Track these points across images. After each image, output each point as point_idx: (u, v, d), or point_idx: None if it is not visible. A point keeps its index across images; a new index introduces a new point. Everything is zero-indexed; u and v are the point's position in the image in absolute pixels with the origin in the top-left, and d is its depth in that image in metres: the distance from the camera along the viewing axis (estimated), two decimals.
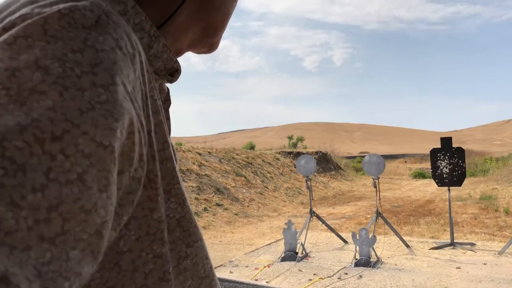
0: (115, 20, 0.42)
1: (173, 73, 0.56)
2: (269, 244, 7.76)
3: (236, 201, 12.14)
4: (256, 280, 5.54)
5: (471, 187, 17.00)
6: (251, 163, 16.40)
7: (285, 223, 6.73)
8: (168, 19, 0.54)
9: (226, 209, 11.23)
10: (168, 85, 0.59)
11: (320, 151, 22.00)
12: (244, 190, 13.40)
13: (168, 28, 0.55)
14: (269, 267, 6.15)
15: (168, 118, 0.56)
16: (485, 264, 6.02)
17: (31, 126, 0.32)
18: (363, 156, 8.46)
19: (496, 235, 8.21)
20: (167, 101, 0.57)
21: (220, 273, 5.73)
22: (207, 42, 0.62)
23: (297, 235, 6.72)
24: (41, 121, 0.33)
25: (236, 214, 11.05)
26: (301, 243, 6.72)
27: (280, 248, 7.01)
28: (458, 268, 5.88)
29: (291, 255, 6.47)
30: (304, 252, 6.67)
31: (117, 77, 0.38)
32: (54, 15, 0.38)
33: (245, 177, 14.55)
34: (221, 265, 6.32)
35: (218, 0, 0.58)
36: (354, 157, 33.84)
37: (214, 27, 0.60)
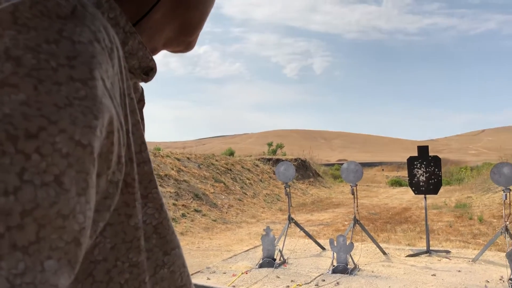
0: (91, 11, 0.39)
1: (148, 72, 0.53)
2: (247, 250, 7.73)
3: (214, 207, 12.08)
4: (234, 286, 5.50)
5: (446, 195, 17.30)
6: (230, 170, 16.36)
7: (264, 230, 6.71)
8: (145, 15, 0.52)
9: (204, 215, 11.15)
10: (143, 85, 0.56)
11: (299, 158, 22.10)
12: (223, 196, 13.35)
13: (144, 25, 0.53)
14: (247, 273, 6.12)
15: (142, 119, 0.53)
16: (459, 271, 6.11)
17: (3, 122, 0.29)
18: (342, 164, 8.52)
19: (470, 243, 8.36)
20: (141, 101, 0.54)
21: (197, 280, 5.68)
22: (183, 41, 0.60)
23: (275, 241, 6.72)
24: (13, 117, 0.30)
25: (214, 220, 10.99)
26: (279, 250, 6.71)
27: (258, 254, 6.99)
28: (434, 275, 5.95)
29: (269, 262, 6.45)
30: (282, 259, 6.66)
31: (96, 72, 0.35)
32: (25, 2, 0.34)
33: (224, 183, 14.50)
34: (198, 272, 6.26)
35: None
36: (332, 165, 34.10)
37: (191, 26, 0.58)
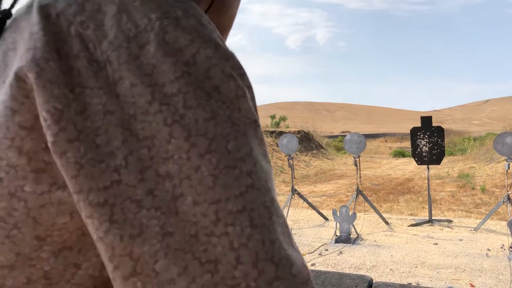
0: None
1: None
2: None
3: None
4: None
5: (449, 165, 17.34)
6: None
7: None
8: None
9: None
10: None
11: (302, 130, 22.09)
12: None
13: None
14: None
15: None
16: (461, 240, 6.18)
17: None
18: (345, 135, 8.53)
19: (472, 212, 8.43)
20: None
21: None
22: None
23: None
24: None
25: None
26: None
27: None
28: (436, 244, 6.03)
29: None
30: None
31: None
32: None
33: None
34: None
35: (227, 2, 0.58)
36: (335, 136, 34.12)
37: (222, 28, 0.59)
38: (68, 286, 0.39)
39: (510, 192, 6.53)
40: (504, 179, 6.98)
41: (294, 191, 7.62)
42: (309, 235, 6.70)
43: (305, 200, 7.85)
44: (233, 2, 0.60)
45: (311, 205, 7.92)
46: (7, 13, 0.42)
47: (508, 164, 6.35)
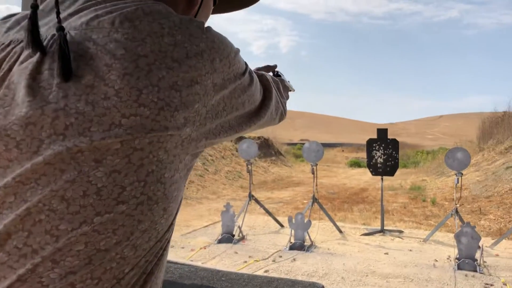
0: None
1: None
2: (206, 226, 7.76)
3: None
4: (191, 261, 5.53)
5: (402, 177, 17.85)
6: None
7: (224, 206, 6.74)
8: None
9: (182, 194, 11.06)
10: None
11: (263, 137, 22.17)
12: None
13: None
14: (205, 248, 6.16)
15: None
16: (410, 250, 6.36)
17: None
18: (304, 143, 8.62)
19: (422, 224, 8.70)
20: None
21: None
22: None
23: (235, 218, 6.77)
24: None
25: None
26: (239, 226, 6.77)
27: (218, 230, 7.03)
28: (386, 253, 6.17)
29: (227, 237, 6.50)
30: (241, 235, 6.73)
31: None
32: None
33: None
34: None
35: (206, 8, 0.77)
36: (295, 144, 34.42)
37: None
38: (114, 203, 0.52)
39: (458, 205, 6.79)
40: (453, 193, 7.25)
41: (251, 197, 7.62)
42: (264, 241, 6.71)
43: (261, 206, 7.86)
44: (209, 5, 0.79)
45: (267, 212, 7.94)
46: None
47: (458, 179, 6.60)
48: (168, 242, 0.65)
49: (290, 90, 1.16)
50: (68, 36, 0.54)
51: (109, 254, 0.53)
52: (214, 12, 0.88)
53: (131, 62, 0.53)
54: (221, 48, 0.60)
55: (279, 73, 1.12)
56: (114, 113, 0.51)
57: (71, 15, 0.58)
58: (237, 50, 0.66)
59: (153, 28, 0.55)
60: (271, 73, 1.08)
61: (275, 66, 1.13)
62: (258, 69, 1.06)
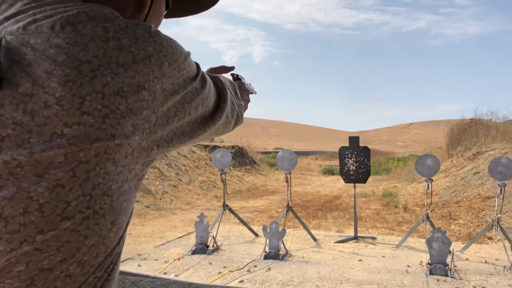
0: None
1: None
2: (180, 237, 7.67)
3: (148, 194, 11.84)
4: (165, 273, 5.44)
5: (375, 184, 18.11)
6: (165, 155, 16.07)
7: (198, 216, 6.68)
8: None
9: (137, 201, 10.90)
10: None
11: (237, 146, 22.15)
12: (157, 183, 13.11)
13: None
14: (179, 260, 6.08)
15: None
16: (384, 256, 6.43)
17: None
18: (278, 152, 8.65)
19: (395, 230, 8.82)
20: None
21: (128, 267, 5.56)
22: None
23: (209, 228, 6.71)
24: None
25: (147, 207, 10.79)
26: (213, 236, 6.72)
27: (192, 241, 6.95)
28: (360, 260, 6.22)
29: (202, 248, 6.44)
30: (215, 245, 6.67)
31: None
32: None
33: (159, 169, 14.25)
34: (129, 258, 6.12)
35: (157, 12, 0.75)
36: (269, 153, 34.51)
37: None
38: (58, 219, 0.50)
39: (429, 211, 6.92)
40: (424, 199, 7.38)
41: (225, 206, 7.58)
42: (239, 251, 6.67)
43: (236, 216, 7.83)
44: (161, 10, 0.77)
45: (242, 221, 7.91)
46: None
47: (428, 185, 6.73)
48: (119, 255, 0.64)
49: (252, 93, 1.14)
50: (3, 42, 0.51)
51: (53, 273, 0.51)
52: (169, 16, 0.86)
53: (73, 69, 0.50)
54: (169, 52, 0.58)
55: (239, 76, 1.11)
56: (56, 123, 0.49)
57: (7, 18, 0.54)
58: (187, 54, 0.64)
59: (96, 32, 0.52)
60: (230, 77, 1.06)
61: (233, 68, 1.10)
62: (212, 69, 1.03)
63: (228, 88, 0.83)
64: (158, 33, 0.58)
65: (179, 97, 0.61)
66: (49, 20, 0.52)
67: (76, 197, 0.50)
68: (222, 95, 0.77)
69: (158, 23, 0.78)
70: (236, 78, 1.10)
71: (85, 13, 0.53)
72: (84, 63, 0.50)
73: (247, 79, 1.12)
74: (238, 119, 0.88)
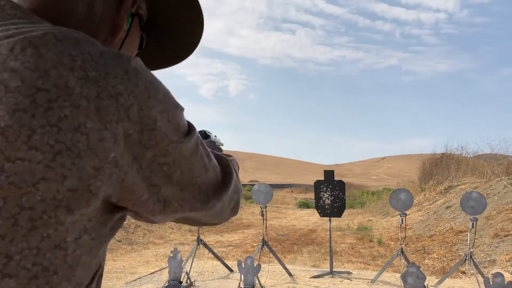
0: None
1: None
2: (153, 272, 7.46)
3: (120, 228, 11.57)
4: None
5: (349, 218, 18.17)
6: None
7: (171, 251, 6.53)
8: None
9: (103, 258, 10.60)
10: None
11: None
12: (130, 216, 12.83)
13: None
14: None
15: None
16: None
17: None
18: (253, 185, 8.62)
19: (370, 264, 8.80)
20: None
21: None
22: None
23: (183, 263, 6.56)
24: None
25: (119, 241, 10.51)
26: (186, 272, 6.56)
27: (165, 276, 6.77)
28: None
29: (175, 285, 6.27)
30: (188, 281, 6.51)
31: None
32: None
33: None
34: None
35: (132, 41, 0.70)
36: (244, 185, 34.44)
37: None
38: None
39: (403, 245, 6.95)
40: (398, 232, 7.43)
41: (200, 241, 7.45)
42: (213, 287, 6.52)
43: (210, 250, 7.69)
44: (134, 43, 0.71)
45: (216, 256, 7.76)
46: None
47: (402, 219, 6.79)
48: None
49: (219, 145, 1.14)
50: None
51: None
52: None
53: (26, 97, 0.44)
54: (144, 96, 0.50)
55: (207, 132, 1.11)
56: None
57: None
58: (177, 106, 0.56)
59: (62, 59, 0.46)
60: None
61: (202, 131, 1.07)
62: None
63: (235, 170, 0.71)
64: (139, 72, 0.51)
65: (154, 151, 0.52)
66: (9, 41, 0.46)
67: (19, 250, 0.43)
68: (227, 177, 0.66)
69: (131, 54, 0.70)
70: (204, 134, 1.10)
71: (53, 35, 0.47)
72: (40, 91, 0.44)
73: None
74: (236, 207, 0.74)
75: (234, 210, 0.73)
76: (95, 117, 0.46)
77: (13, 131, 0.43)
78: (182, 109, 0.57)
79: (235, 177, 0.69)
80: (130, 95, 0.49)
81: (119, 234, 10.96)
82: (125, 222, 12.01)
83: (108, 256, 9.00)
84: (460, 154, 20.55)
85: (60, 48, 0.47)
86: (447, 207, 13.46)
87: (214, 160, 0.64)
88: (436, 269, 8.28)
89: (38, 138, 0.43)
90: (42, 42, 0.46)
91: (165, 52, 0.81)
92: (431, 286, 6.24)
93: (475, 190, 7.93)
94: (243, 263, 6.10)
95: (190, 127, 0.58)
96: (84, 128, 0.45)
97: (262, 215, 7.33)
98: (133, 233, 11.64)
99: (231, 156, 0.76)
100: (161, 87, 0.54)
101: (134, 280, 6.88)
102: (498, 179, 13.75)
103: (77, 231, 0.47)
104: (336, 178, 7.75)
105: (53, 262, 0.46)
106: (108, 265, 8.13)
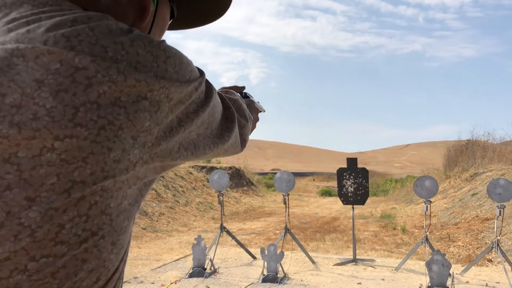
0: None
1: None
2: (177, 259, 7.58)
3: (144, 215, 11.75)
4: None
5: (373, 206, 18.03)
6: (162, 177, 16.01)
7: (195, 238, 6.62)
8: None
9: (133, 223, 10.79)
10: None
11: (234, 167, 22.11)
12: (154, 204, 13.02)
13: None
14: (176, 283, 5.99)
15: None
16: (383, 279, 6.36)
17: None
18: (275, 173, 8.63)
19: (393, 252, 8.74)
20: None
21: None
22: None
23: (206, 250, 6.64)
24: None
25: (144, 229, 10.69)
26: (210, 259, 6.64)
27: (189, 264, 6.87)
28: (359, 283, 6.15)
29: (199, 271, 6.36)
30: (212, 268, 6.59)
31: None
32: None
33: (156, 191, 14.18)
34: (125, 282, 6.03)
35: (157, 30, 0.71)
36: (266, 174, 34.46)
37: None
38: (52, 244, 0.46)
39: (428, 233, 6.87)
40: (423, 220, 7.34)
41: (223, 228, 7.51)
42: (237, 274, 6.59)
43: (233, 238, 7.75)
44: (165, 18, 0.73)
45: (239, 243, 7.83)
46: None
47: (426, 206, 6.70)
48: (121, 279, 0.59)
49: (260, 111, 1.13)
50: None
51: None
52: (173, 27, 0.82)
53: (66, 77, 0.46)
54: (174, 79, 0.55)
55: (248, 94, 1.09)
56: (45, 135, 0.45)
57: None
58: (200, 82, 0.61)
59: (93, 51, 0.49)
60: (238, 94, 1.03)
61: (243, 88, 1.07)
62: (225, 88, 1.00)
63: (241, 104, 0.84)
64: (168, 56, 0.54)
65: (183, 107, 0.57)
66: (43, 28, 0.49)
67: (71, 218, 0.46)
68: (229, 115, 0.73)
69: (162, 32, 0.73)
70: (245, 95, 1.08)
71: (85, 25, 0.50)
72: (80, 70, 0.47)
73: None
74: (244, 142, 0.84)
75: (244, 142, 0.85)
76: (131, 90, 0.49)
77: (58, 112, 0.45)
78: (203, 80, 0.62)
79: (237, 115, 0.78)
80: (166, 61, 0.54)
81: (143, 222, 11.16)
82: (150, 211, 12.22)
83: (133, 243, 9.16)
84: (487, 140, 20.09)
85: (92, 40, 0.49)
86: (473, 195, 13.22)
87: (218, 98, 0.71)
88: (461, 257, 8.17)
89: (82, 115, 0.46)
90: (74, 33, 0.49)
91: (197, 15, 0.84)
92: (456, 274, 6.17)
93: (502, 177, 7.77)
94: (266, 250, 6.14)
95: (201, 72, 0.63)
96: (120, 102, 0.48)
97: (285, 203, 7.34)
98: (157, 221, 11.82)
99: (230, 96, 0.85)
100: (188, 69, 0.58)
101: (159, 267, 7.00)
102: None
103: (120, 198, 0.51)
104: (359, 165, 7.69)
105: (101, 227, 0.50)
106: (134, 252, 8.28)
